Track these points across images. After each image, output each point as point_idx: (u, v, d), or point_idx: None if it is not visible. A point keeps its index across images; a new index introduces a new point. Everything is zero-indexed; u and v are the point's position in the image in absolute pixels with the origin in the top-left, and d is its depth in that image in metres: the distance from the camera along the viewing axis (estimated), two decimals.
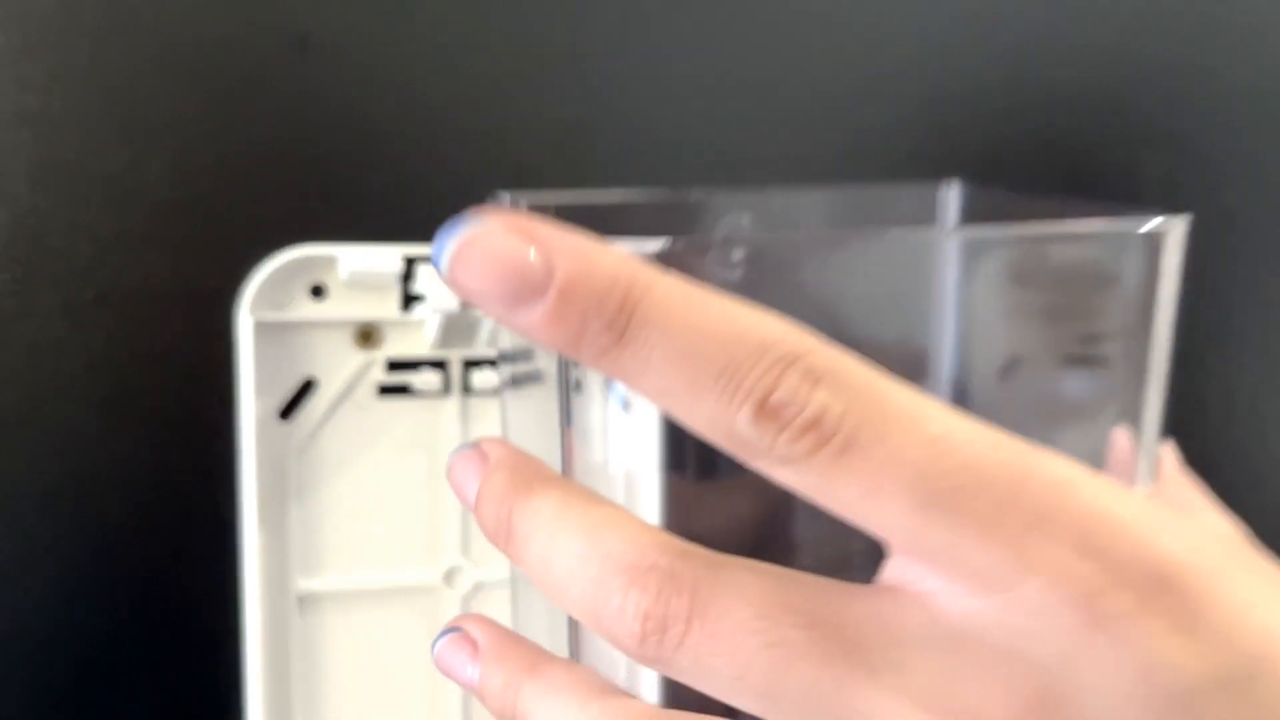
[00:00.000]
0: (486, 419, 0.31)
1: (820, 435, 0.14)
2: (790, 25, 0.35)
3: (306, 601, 0.30)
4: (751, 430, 0.15)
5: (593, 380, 0.20)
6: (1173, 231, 0.19)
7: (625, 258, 0.16)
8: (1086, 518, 0.15)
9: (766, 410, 0.14)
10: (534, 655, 0.19)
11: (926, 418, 0.15)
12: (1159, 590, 0.15)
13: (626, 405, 0.20)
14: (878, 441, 0.14)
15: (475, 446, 0.20)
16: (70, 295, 0.29)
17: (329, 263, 0.29)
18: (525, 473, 0.18)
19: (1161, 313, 0.20)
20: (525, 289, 0.15)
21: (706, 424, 0.15)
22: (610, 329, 0.15)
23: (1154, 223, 0.19)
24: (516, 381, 0.24)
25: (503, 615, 0.22)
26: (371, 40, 0.31)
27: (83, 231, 0.29)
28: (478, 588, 0.31)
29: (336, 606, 0.30)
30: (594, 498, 0.17)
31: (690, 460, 0.20)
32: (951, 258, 0.20)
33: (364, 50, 0.31)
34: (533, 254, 0.15)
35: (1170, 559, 0.15)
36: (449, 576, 0.31)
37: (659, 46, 0.34)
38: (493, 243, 0.15)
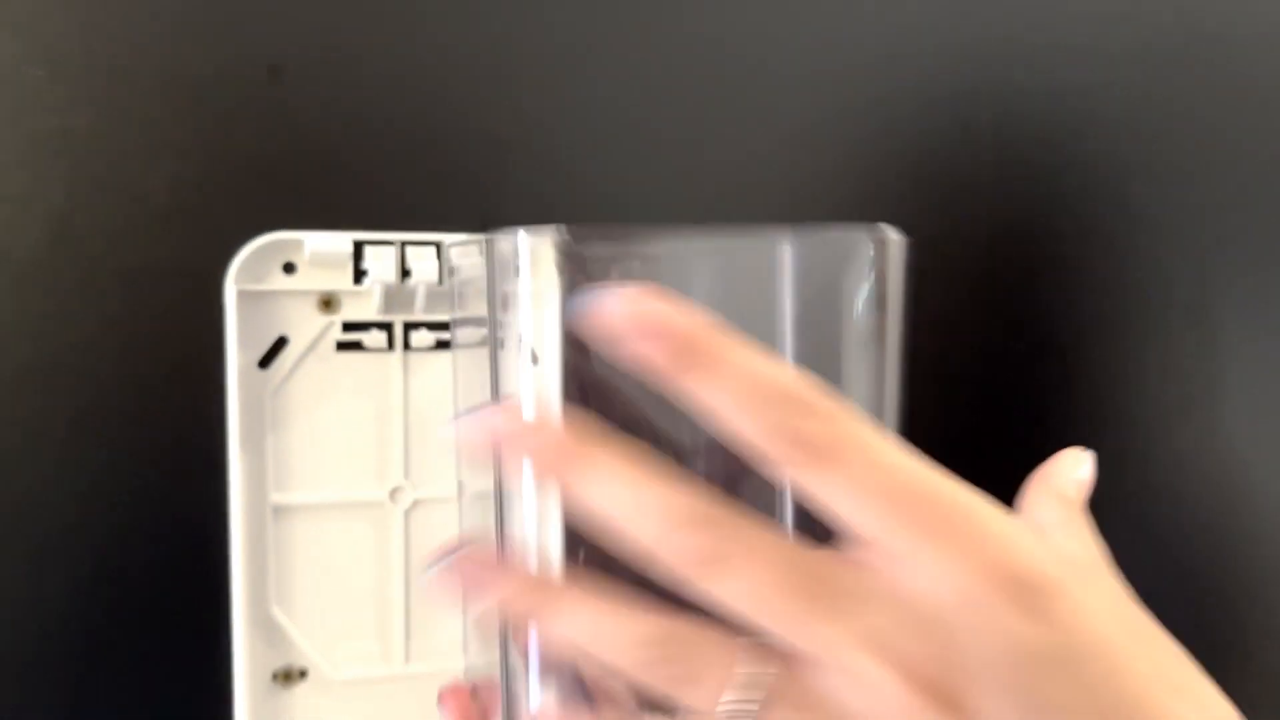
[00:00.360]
0: (423, 370, 0.39)
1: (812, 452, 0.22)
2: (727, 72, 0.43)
3: (279, 511, 0.38)
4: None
5: (512, 340, 0.28)
6: (892, 241, 0.27)
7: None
8: (982, 533, 0.22)
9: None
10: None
11: (881, 448, 0.22)
12: (1022, 588, 0.21)
13: (535, 360, 0.28)
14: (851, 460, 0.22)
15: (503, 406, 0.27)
16: (94, 272, 0.37)
17: (297, 245, 0.37)
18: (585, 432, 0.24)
19: (892, 312, 0.28)
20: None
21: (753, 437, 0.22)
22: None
23: (880, 231, 0.27)
24: (460, 344, 0.32)
25: (441, 526, 0.30)
26: (331, 71, 0.39)
27: (103, 225, 0.37)
28: (416, 503, 0.39)
29: (303, 516, 0.38)
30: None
31: (577, 399, 0.28)
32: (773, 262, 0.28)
33: (325, 79, 0.39)
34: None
35: (1034, 568, 0.22)
36: (393, 494, 0.39)
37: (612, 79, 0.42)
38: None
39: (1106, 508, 0.29)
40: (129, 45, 0.37)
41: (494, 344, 0.28)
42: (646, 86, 0.43)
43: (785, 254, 0.27)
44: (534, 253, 0.26)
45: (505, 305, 0.29)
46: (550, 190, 0.42)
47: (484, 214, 0.39)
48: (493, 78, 0.41)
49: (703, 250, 0.27)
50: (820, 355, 0.28)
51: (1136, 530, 0.51)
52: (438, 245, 0.37)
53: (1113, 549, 0.28)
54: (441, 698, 0.31)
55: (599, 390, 0.27)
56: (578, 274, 0.26)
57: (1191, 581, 0.52)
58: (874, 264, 0.27)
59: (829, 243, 0.27)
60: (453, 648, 0.39)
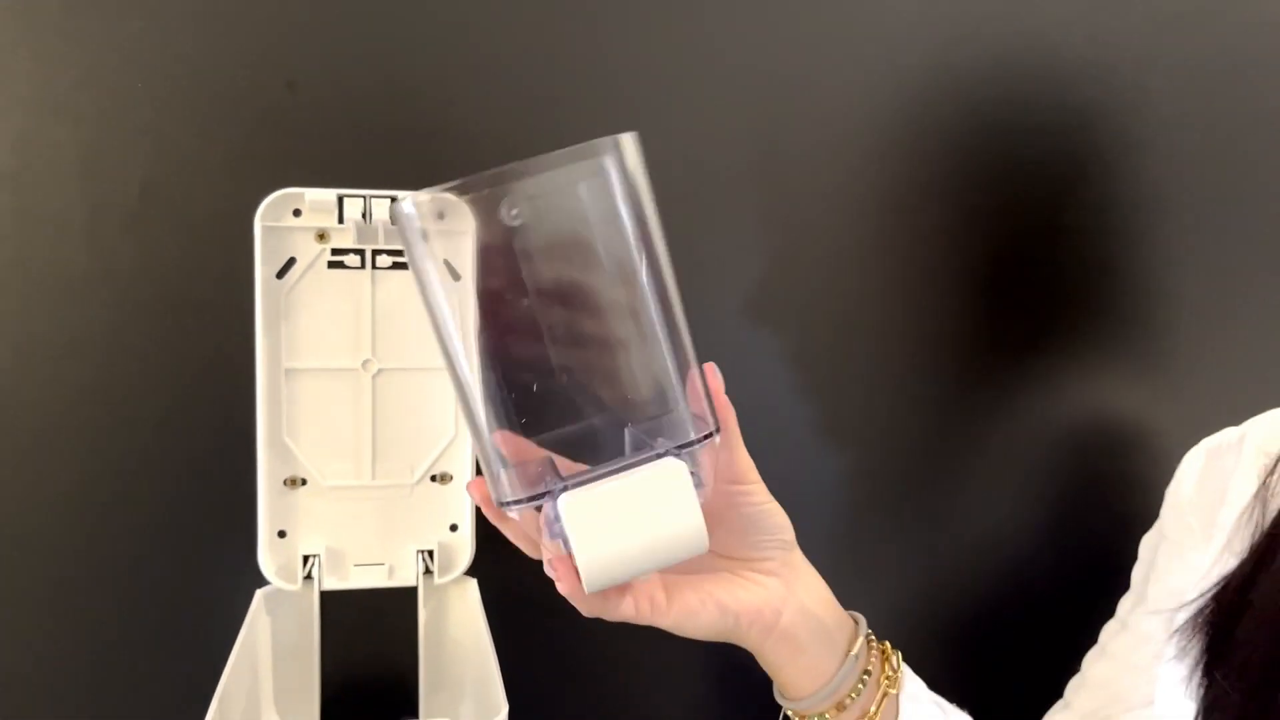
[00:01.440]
0: (385, 281, 0.58)
1: None
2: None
3: (290, 374, 0.57)
4: None
5: (438, 264, 0.46)
6: (627, 143, 0.43)
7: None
8: None
9: None
10: None
11: None
12: None
13: (458, 277, 0.47)
14: None
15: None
16: (174, 217, 0.56)
17: (300, 197, 0.56)
18: None
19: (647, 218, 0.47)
20: None
21: None
22: None
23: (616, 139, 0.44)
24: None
25: (398, 387, 0.50)
26: (333, 84, 0.58)
27: (179, 186, 0.56)
28: (380, 371, 0.58)
29: (305, 377, 0.57)
30: None
31: (485, 303, 0.46)
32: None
33: (328, 91, 0.58)
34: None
35: None
36: (364, 364, 0.58)
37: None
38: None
39: None
40: (191, 69, 0.56)
41: (420, 270, 0.46)
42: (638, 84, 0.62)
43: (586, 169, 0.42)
44: (445, 202, 0.45)
45: (426, 239, 0.48)
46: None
47: (428, 177, 0.59)
48: (435, 83, 0.60)
49: (544, 181, 0.42)
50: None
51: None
52: (392, 198, 0.56)
53: None
54: (468, 486, 0.47)
55: (494, 296, 0.46)
56: (484, 213, 0.43)
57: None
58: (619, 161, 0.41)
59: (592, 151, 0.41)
60: (403, 469, 0.59)
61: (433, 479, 0.60)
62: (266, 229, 0.55)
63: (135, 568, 0.59)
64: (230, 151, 0.57)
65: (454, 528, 0.60)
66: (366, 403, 0.58)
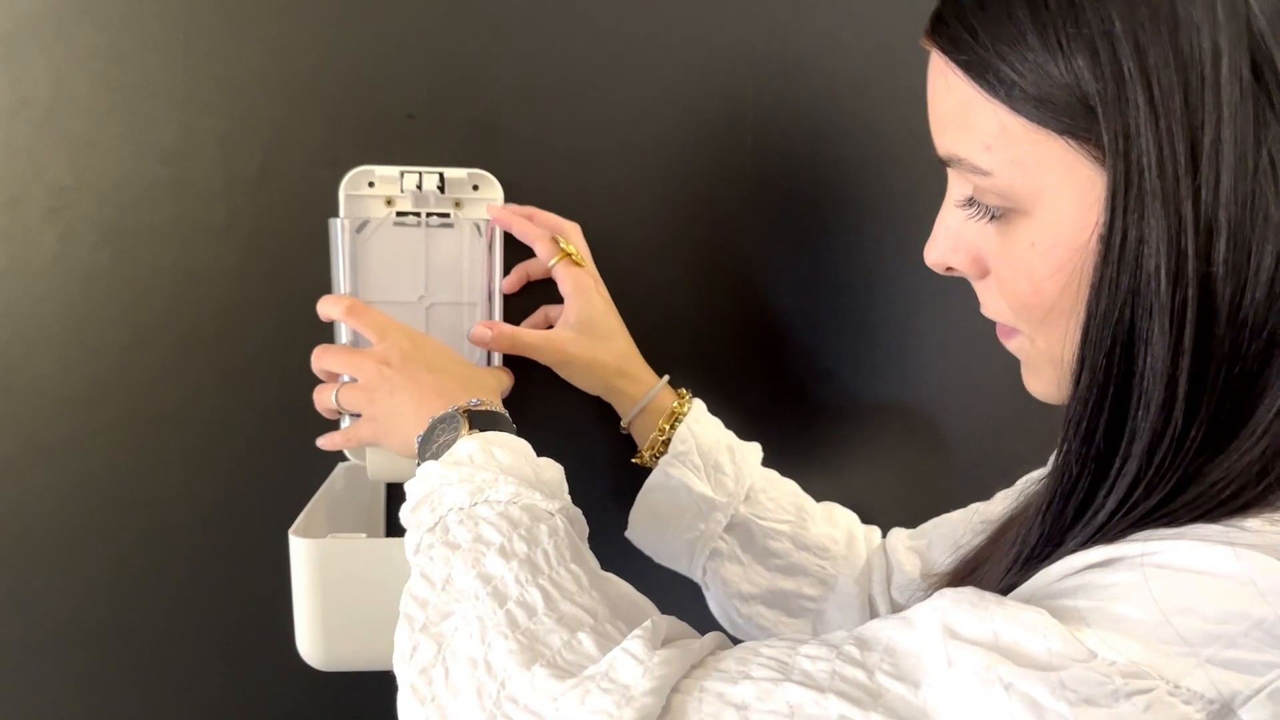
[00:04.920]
0: (436, 236, 0.76)
1: None
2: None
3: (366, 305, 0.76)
4: None
5: (468, 224, 0.66)
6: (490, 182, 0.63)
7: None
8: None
9: None
10: None
11: None
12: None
13: (481, 233, 0.66)
14: None
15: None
16: (280, 192, 0.76)
17: (371, 173, 0.75)
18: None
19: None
20: None
21: None
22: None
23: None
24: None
25: (447, 318, 0.69)
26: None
27: (291, 168, 0.76)
28: (432, 305, 0.77)
29: (377, 308, 0.77)
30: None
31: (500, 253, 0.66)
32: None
33: (395, 95, 0.77)
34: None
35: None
36: (419, 299, 0.77)
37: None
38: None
39: None
40: (302, 80, 0.76)
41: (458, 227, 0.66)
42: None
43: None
44: (479, 177, 0.65)
45: (460, 206, 0.67)
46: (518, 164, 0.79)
47: (473, 159, 0.77)
48: (481, 85, 0.78)
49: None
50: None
51: None
52: (440, 174, 0.75)
53: None
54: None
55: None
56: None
57: None
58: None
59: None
60: None
61: None
62: (349, 196, 0.75)
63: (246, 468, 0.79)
64: (327, 144, 0.77)
65: None
66: (421, 327, 0.77)
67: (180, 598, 0.78)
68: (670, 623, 0.48)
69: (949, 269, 0.50)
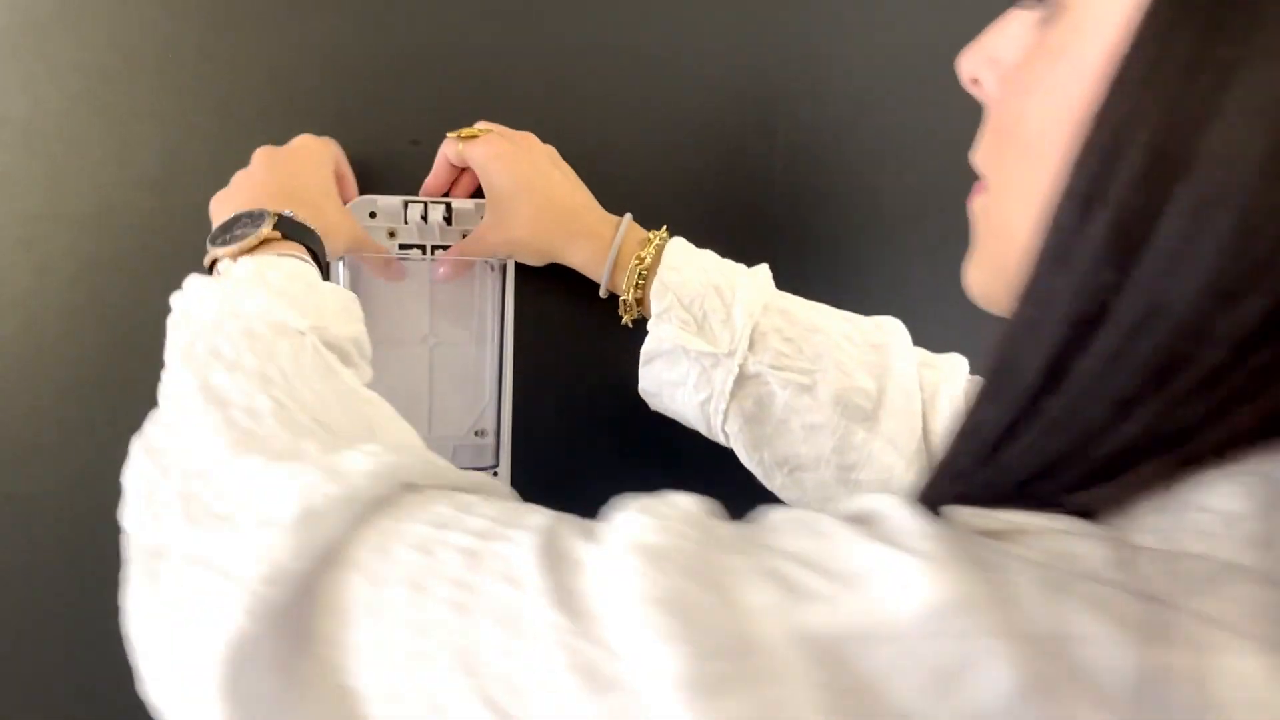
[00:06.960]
0: (438, 267, 0.72)
1: None
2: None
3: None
4: None
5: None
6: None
7: None
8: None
9: None
10: None
11: None
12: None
13: (495, 268, 0.62)
14: None
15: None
16: None
17: (374, 202, 0.70)
18: None
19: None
20: None
21: None
22: None
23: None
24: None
25: (452, 357, 0.64)
26: (400, 126, 0.72)
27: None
28: (437, 343, 0.73)
29: (377, 345, 0.72)
30: None
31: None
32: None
33: (399, 129, 0.72)
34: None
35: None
36: (423, 339, 0.73)
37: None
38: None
39: None
40: (305, 104, 0.71)
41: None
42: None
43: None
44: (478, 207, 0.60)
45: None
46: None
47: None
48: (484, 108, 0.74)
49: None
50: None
51: None
52: (447, 204, 0.70)
53: None
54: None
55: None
56: None
57: None
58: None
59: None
60: (456, 426, 0.73)
61: (475, 434, 0.74)
62: None
63: None
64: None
65: (496, 472, 0.74)
66: (425, 371, 0.73)
67: None
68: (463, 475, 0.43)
69: (974, 80, 0.42)
